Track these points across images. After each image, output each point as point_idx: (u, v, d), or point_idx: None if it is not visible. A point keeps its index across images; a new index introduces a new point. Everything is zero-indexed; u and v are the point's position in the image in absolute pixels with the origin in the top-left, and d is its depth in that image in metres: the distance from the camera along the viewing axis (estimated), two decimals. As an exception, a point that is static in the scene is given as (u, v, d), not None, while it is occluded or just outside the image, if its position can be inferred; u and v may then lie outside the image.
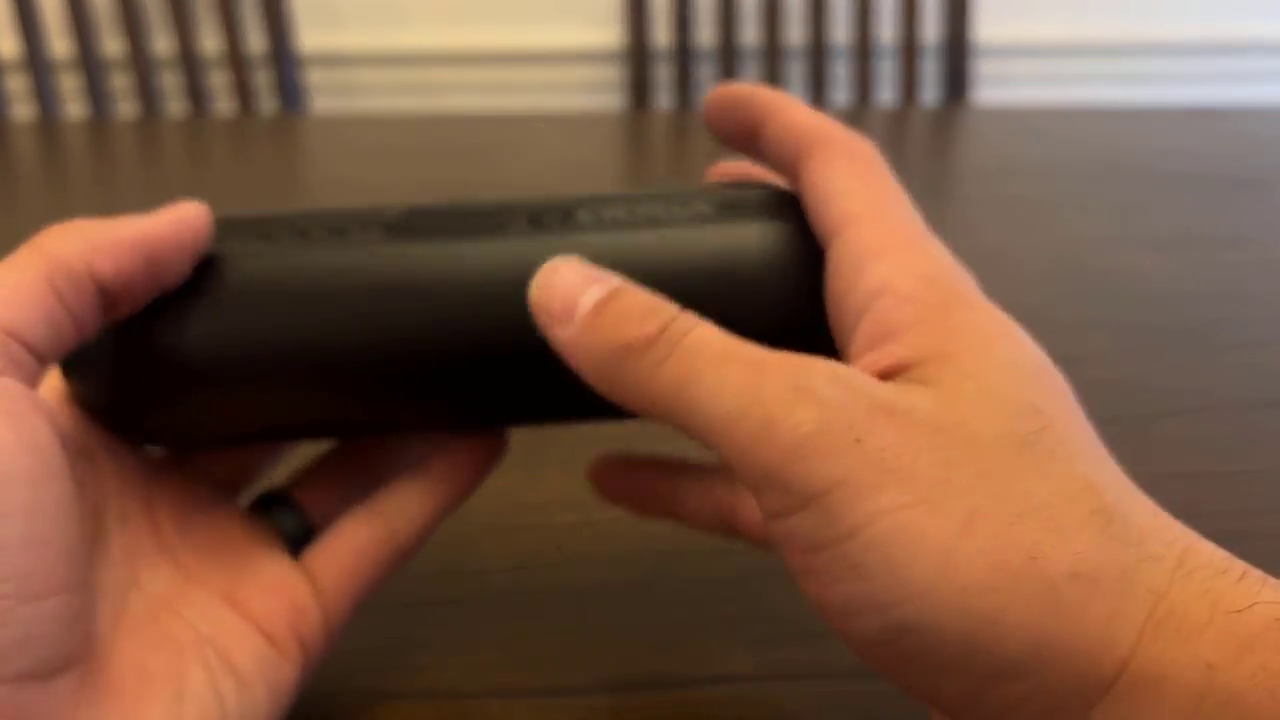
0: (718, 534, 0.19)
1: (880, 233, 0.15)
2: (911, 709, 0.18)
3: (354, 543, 0.17)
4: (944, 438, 0.13)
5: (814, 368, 0.13)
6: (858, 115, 0.70)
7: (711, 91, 0.18)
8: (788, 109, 0.17)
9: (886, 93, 0.95)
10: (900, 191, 0.16)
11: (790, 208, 0.17)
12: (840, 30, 0.93)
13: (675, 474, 0.19)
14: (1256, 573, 0.12)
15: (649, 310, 0.14)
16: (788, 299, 0.16)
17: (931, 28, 0.91)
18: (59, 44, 0.87)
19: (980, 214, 0.46)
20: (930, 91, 0.94)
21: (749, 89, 0.18)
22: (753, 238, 0.16)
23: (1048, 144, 0.54)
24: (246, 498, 0.19)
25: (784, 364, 0.13)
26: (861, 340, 0.14)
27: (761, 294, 0.16)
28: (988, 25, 0.95)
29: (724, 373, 0.13)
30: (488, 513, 0.23)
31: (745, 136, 0.18)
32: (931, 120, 0.65)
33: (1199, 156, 0.52)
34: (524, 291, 0.15)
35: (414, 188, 0.50)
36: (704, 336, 0.14)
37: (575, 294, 0.14)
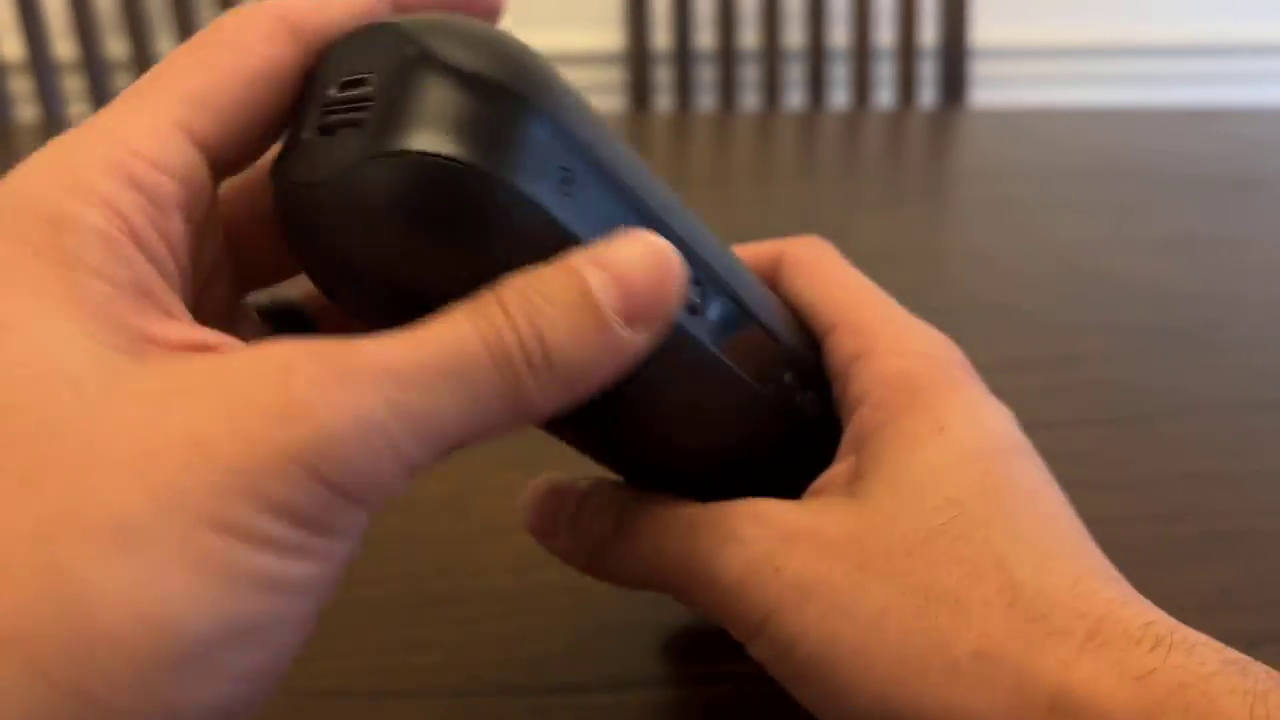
0: None
1: (854, 339, 0.17)
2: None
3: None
4: (855, 547, 0.14)
5: (737, 514, 0.15)
6: (856, 117, 0.71)
7: None
8: (749, 249, 0.19)
9: (885, 95, 0.95)
10: (860, 279, 0.18)
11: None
12: (839, 33, 0.93)
13: None
14: (1178, 637, 0.13)
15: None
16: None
17: (929, 30, 0.92)
18: (63, 46, 0.87)
19: (978, 215, 0.46)
20: (928, 94, 0.94)
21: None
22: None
23: (1046, 145, 0.54)
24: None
25: (711, 518, 0.15)
26: (844, 448, 0.16)
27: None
28: (985, 28, 0.95)
29: (664, 546, 0.15)
30: (488, 513, 0.23)
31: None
32: (929, 122, 0.65)
33: (1197, 158, 0.52)
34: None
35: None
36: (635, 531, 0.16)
37: (554, 515, 0.17)
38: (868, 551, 0.14)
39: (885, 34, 0.92)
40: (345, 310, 0.13)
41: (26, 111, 0.89)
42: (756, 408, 0.16)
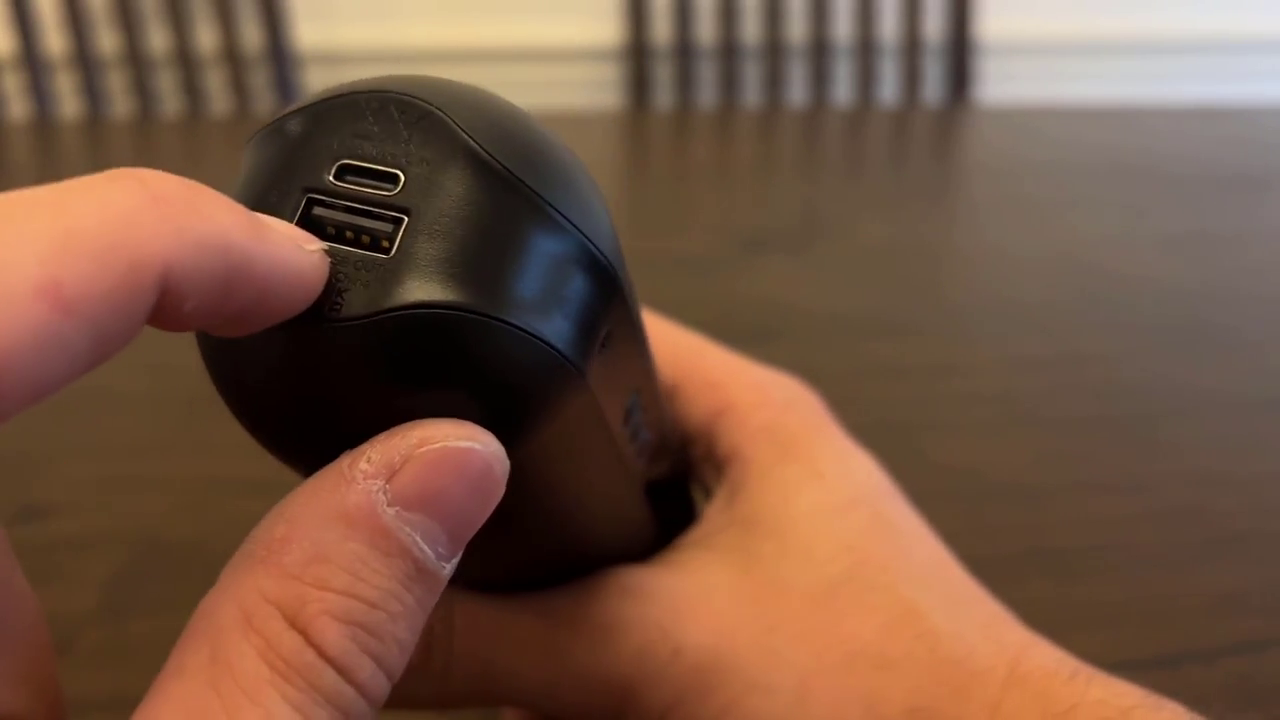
0: None
1: (709, 395, 0.15)
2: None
3: None
4: (756, 609, 0.13)
5: (606, 594, 0.13)
6: (859, 114, 0.70)
7: None
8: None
9: (889, 91, 0.94)
10: (686, 332, 0.16)
11: None
12: (842, 27, 0.92)
13: None
14: (1088, 670, 0.12)
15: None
16: None
17: (934, 25, 0.91)
18: (54, 41, 0.86)
19: (983, 213, 0.45)
20: (933, 89, 0.94)
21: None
22: None
23: (1050, 143, 0.54)
24: None
25: (576, 608, 0.13)
26: (714, 505, 0.15)
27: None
28: (990, 23, 0.95)
29: (517, 648, 0.13)
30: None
31: None
32: (934, 119, 0.65)
33: (1206, 156, 0.52)
34: None
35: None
36: (473, 613, 0.13)
37: None
38: (770, 613, 0.13)
39: (889, 28, 0.92)
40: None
41: (18, 107, 0.88)
42: (632, 484, 0.14)
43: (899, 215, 0.44)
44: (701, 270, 0.39)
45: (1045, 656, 0.13)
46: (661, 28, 0.93)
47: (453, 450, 0.09)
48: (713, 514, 0.15)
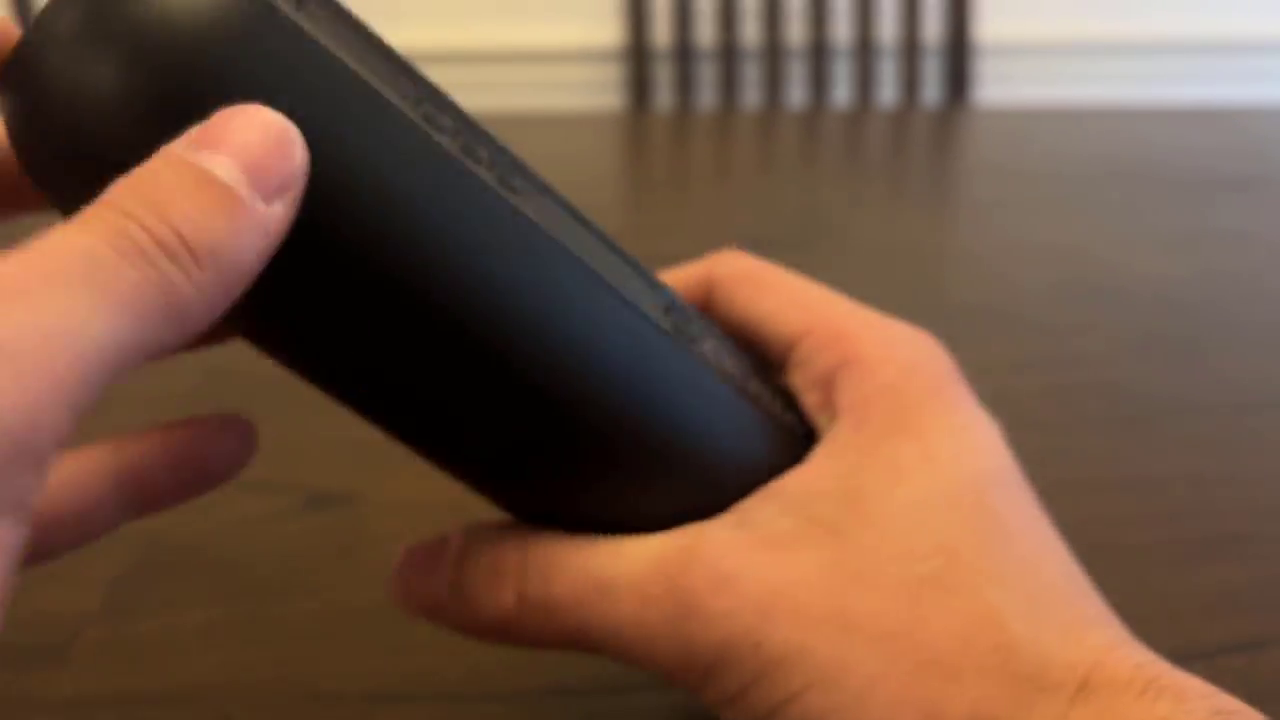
0: None
1: (834, 346, 0.16)
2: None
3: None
4: (838, 606, 0.13)
5: (697, 577, 0.14)
6: (858, 115, 0.70)
7: None
8: (674, 275, 0.18)
9: (888, 92, 0.94)
10: (820, 287, 0.17)
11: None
12: (841, 29, 0.92)
13: None
14: (1164, 679, 0.12)
15: (496, 575, 0.15)
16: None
17: (933, 27, 0.91)
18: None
19: (981, 214, 0.46)
20: (931, 91, 0.94)
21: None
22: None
23: (1049, 144, 0.54)
24: None
25: (661, 588, 0.14)
26: (819, 456, 0.15)
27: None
28: (989, 24, 0.95)
29: (605, 619, 0.14)
30: (489, 515, 0.23)
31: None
32: (933, 120, 0.65)
33: (1202, 156, 0.52)
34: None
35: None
36: (568, 585, 0.14)
37: (435, 578, 0.15)
38: (852, 611, 0.13)
39: (888, 30, 0.92)
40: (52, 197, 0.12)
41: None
42: (712, 393, 0.14)
43: (898, 216, 0.44)
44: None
45: (1122, 665, 0.13)
46: (662, 30, 0.93)
47: (242, 109, 0.11)
48: (820, 469, 0.14)
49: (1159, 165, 0.50)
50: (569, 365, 0.13)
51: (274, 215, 0.11)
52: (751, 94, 0.96)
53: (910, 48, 0.90)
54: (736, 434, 0.15)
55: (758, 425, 0.15)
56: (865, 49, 0.90)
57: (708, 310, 0.17)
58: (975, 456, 0.15)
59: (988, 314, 0.34)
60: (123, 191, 0.10)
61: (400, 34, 1.17)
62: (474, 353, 0.13)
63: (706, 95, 0.96)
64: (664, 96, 0.96)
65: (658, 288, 0.15)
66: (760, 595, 0.13)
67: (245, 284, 0.11)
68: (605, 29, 0.97)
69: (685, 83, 0.93)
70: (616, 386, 0.13)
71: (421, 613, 0.16)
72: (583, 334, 0.13)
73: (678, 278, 0.17)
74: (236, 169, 0.11)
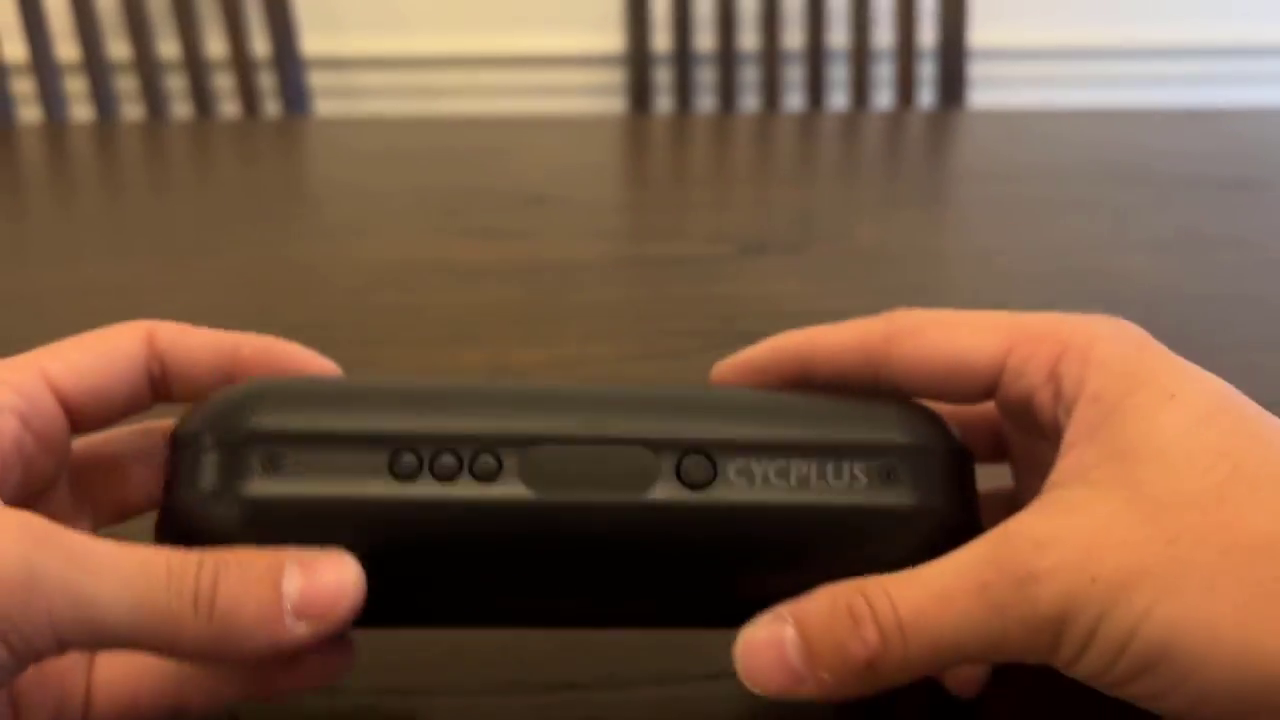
0: None
1: (1044, 346, 0.16)
2: (905, 705, 0.18)
3: (135, 673, 0.17)
4: (1153, 526, 0.14)
5: (1017, 549, 0.14)
6: (855, 119, 0.71)
7: (722, 367, 0.19)
8: (825, 335, 0.18)
9: (884, 96, 0.95)
10: (986, 312, 0.18)
11: (934, 447, 0.17)
12: (838, 34, 0.93)
13: None
14: None
15: (852, 619, 0.15)
16: (946, 547, 0.16)
17: (928, 32, 0.92)
18: (65, 47, 0.87)
19: (977, 216, 0.46)
20: (927, 95, 0.94)
21: (765, 356, 0.19)
22: (909, 509, 0.16)
23: (1044, 146, 0.54)
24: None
25: (994, 571, 0.14)
26: (1068, 445, 0.16)
27: (922, 555, 0.16)
28: (983, 29, 0.96)
29: (956, 620, 0.14)
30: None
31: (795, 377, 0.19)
32: (928, 123, 0.65)
33: (1195, 157, 0.52)
34: (674, 551, 0.15)
35: (417, 189, 0.50)
36: (911, 603, 0.15)
37: (780, 654, 0.15)
38: (1168, 528, 0.14)
39: (884, 36, 0.92)
40: None
41: (29, 113, 0.89)
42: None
43: (894, 218, 0.45)
44: (700, 272, 0.39)
45: None
46: (662, 35, 0.94)
47: (336, 557, 0.15)
48: (1078, 452, 0.15)
49: (1152, 167, 0.51)
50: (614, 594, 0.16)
51: (296, 633, 0.14)
52: (750, 98, 0.96)
53: (906, 52, 0.91)
54: (788, 545, 0.16)
55: (820, 521, 0.16)
56: (861, 54, 0.91)
57: (888, 362, 0.17)
58: (1210, 386, 0.16)
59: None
60: (216, 555, 0.14)
61: (406, 41, 1.16)
62: (559, 614, 0.17)
63: (706, 99, 0.96)
64: (664, 101, 0.96)
65: (669, 446, 0.16)
66: (1080, 541, 0.14)
67: (243, 658, 0.14)
68: (606, 35, 0.97)
69: (685, 87, 0.94)
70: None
71: (784, 688, 0.15)
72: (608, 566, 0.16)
73: (844, 333, 0.18)
74: (296, 591, 0.14)
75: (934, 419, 0.17)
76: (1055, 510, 0.15)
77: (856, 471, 0.16)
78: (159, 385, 0.17)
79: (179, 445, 0.16)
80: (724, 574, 0.16)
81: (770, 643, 0.15)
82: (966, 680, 0.18)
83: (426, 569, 0.15)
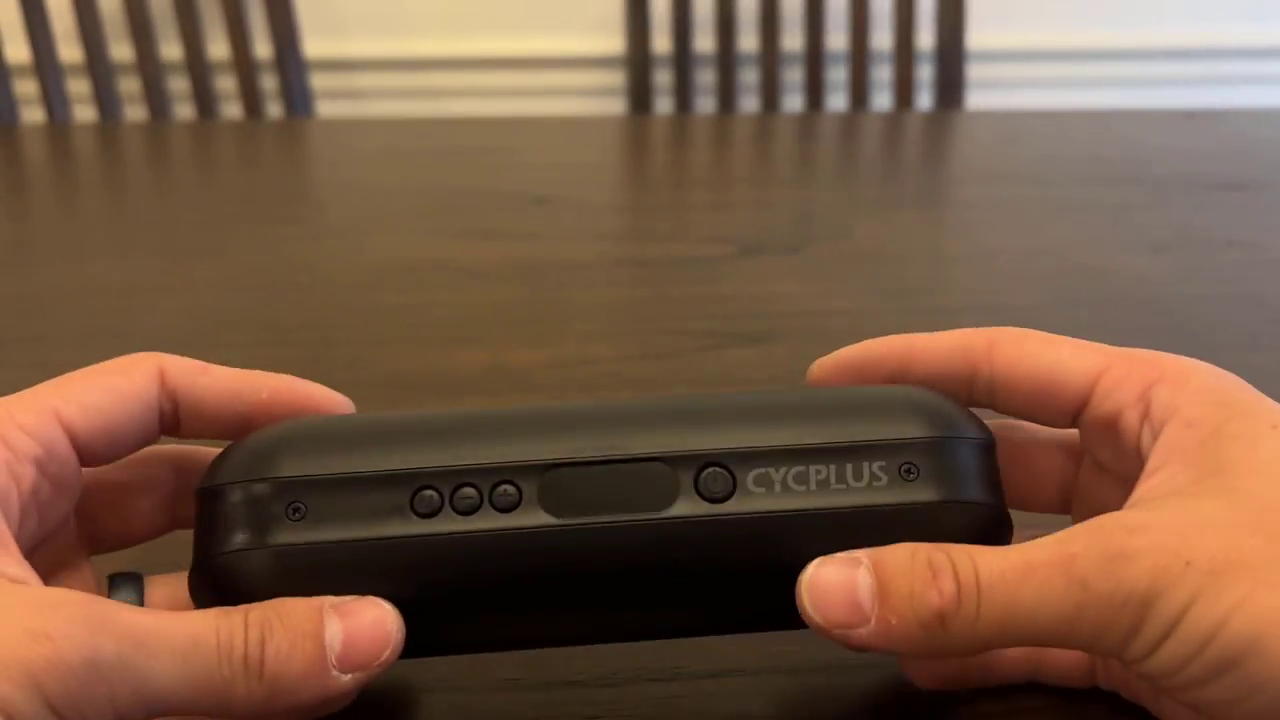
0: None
1: (1141, 369, 0.17)
2: (904, 703, 0.19)
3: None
4: (1252, 527, 0.14)
5: (1108, 530, 0.14)
6: (854, 120, 0.71)
7: (819, 365, 0.19)
8: (927, 338, 0.18)
9: (882, 98, 0.95)
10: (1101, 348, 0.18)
11: (953, 436, 0.17)
12: (837, 37, 0.93)
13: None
14: None
15: (931, 570, 0.15)
16: (977, 539, 0.16)
17: (926, 34, 0.92)
18: (68, 49, 0.87)
19: (975, 217, 0.46)
20: (925, 97, 0.94)
21: (862, 355, 0.19)
22: (932, 505, 0.16)
23: (1042, 147, 0.54)
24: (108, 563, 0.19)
25: (1081, 545, 0.14)
26: (1156, 462, 0.16)
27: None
28: (982, 32, 0.96)
29: (1036, 590, 0.14)
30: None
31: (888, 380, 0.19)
32: (927, 124, 0.65)
33: (1193, 158, 0.52)
34: (699, 565, 0.16)
35: (418, 190, 0.50)
36: (993, 566, 0.14)
37: (850, 593, 0.15)
38: (1267, 525, 0.14)
39: (883, 38, 0.93)
40: None
41: (33, 114, 0.89)
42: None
43: (893, 219, 0.45)
44: (700, 272, 0.39)
45: None
46: (662, 37, 0.94)
47: (373, 604, 0.15)
48: (1168, 471, 0.15)
49: (1148, 168, 0.51)
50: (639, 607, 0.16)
51: (342, 682, 0.15)
52: (750, 100, 0.96)
53: (904, 55, 0.91)
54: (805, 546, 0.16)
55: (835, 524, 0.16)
56: (860, 56, 0.91)
57: (989, 365, 0.18)
58: None
59: (981, 316, 0.34)
60: (260, 611, 0.15)
61: (408, 44, 1.16)
62: (594, 630, 0.17)
63: (706, 101, 0.96)
64: (664, 102, 0.96)
65: (686, 461, 0.16)
66: (1176, 527, 0.14)
67: (293, 713, 0.15)
68: (607, 37, 0.98)
69: (685, 89, 0.94)
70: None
71: (840, 629, 0.15)
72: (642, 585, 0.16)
73: (947, 338, 0.18)
74: (339, 643, 0.15)
75: (951, 407, 0.17)
76: (1147, 506, 0.15)
77: (876, 470, 0.16)
78: (168, 421, 0.17)
79: (206, 499, 0.16)
80: (750, 583, 0.16)
81: (841, 577, 0.15)
82: (934, 669, 0.18)
83: (455, 603, 0.16)
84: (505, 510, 0.15)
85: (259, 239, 0.44)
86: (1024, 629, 0.14)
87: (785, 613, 0.16)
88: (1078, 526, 0.15)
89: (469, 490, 0.15)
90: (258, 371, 0.18)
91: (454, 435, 0.16)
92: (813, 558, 0.15)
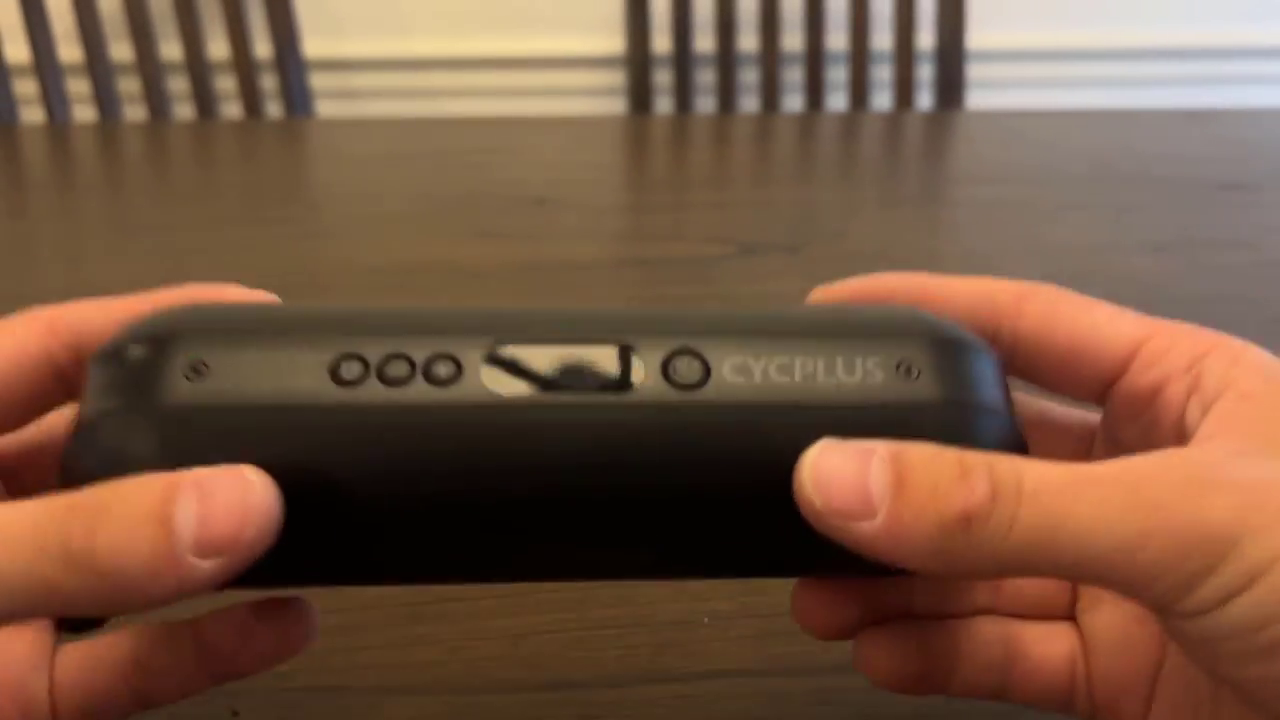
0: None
1: (1186, 341, 0.15)
2: (901, 702, 0.19)
3: (90, 667, 0.15)
4: None
5: (1190, 459, 0.13)
6: (854, 120, 0.71)
7: (820, 291, 0.17)
8: (945, 281, 0.17)
9: (882, 98, 0.95)
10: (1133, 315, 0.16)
11: (960, 341, 0.15)
12: (837, 37, 0.93)
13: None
14: None
15: (960, 467, 0.12)
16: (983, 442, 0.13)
17: (927, 35, 0.92)
18: (67, 49, 0.87)
19: (974, 217, 0.46)
20: (925, 97, 0.94)
21: (869, 286, 0.17)
22: (937, 403, 0.14)
23: (1041, 148, 0.54)
24: None
25: (1154, 467, 0.12)
26: (1207, 431, 0.14)
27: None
28: (981, 32, 0.96)
29: (1092, 506, 0.12)
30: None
31: None
32: (926, 124, 0.65)
33: (1191, 159, 0.52)
34: (666, 470, 0.13)
35: (418, 190, 0.50)
36: (1040, 473, 0.12)
37: (860, 479, 0.12)
38: None
39: (883, 38, 0.93)
40: None
41: (32, 114, 0.89)
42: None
43: (893, 219, 0.45)
44: (699, 272, 0.39)
45: None
46: (662, 37, 0.94)
47: (234, 472, 0.12)
48: (1223, 439, 0.14)
49: (1148, 168, 0.51)
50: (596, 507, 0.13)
51: (200, 569, 0.12)
52: (749, 100, 0.96)
53: (905, 55, 0.91)
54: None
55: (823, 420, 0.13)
56: (860, 56, 0.91)
57: (1019, 320, 0.16)
58: None
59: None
60: (92, 493, 0.12)
61: (408, 44, 1.17)
62: (531, 536, 0.13)
63: (706, 101, 0.96)
64: (664, 102, 0.96)
65: (655, 347, 0.13)
66: (1259, 478, 0.12)
67: (149, 607, 0.12)
68: (607, 37, 0.98)
69: (685, 89, 0.94)
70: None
71: (847, 515, 0.12)
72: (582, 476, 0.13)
73: (970, 284, 0.17)
74: (193, 523, 0.12)
75: (958, 327, 0.15)
76: (1234, 456, 0.13)
77: (871, 366, 0.13)
78: (71, 376, 0.15)
79: (95, 364, 0.13)
80: (725, 492, 0.13)
81: (853, 462, 0.12)
82: (894, 665, 0.16)
83: (373, 494, 0.13)
84: (440, 384, 0.13)
85: (259, 239, 0.44)
86: (1066, 550, 0.12)
87: (770, 535, 0.13)
88: (1138, 455, 0.13)
89: (400, 363, 0.13)
90: (164, 289, 0.15)
91: (391, 315, 0.13)
92: (794, 460, 0.13)
